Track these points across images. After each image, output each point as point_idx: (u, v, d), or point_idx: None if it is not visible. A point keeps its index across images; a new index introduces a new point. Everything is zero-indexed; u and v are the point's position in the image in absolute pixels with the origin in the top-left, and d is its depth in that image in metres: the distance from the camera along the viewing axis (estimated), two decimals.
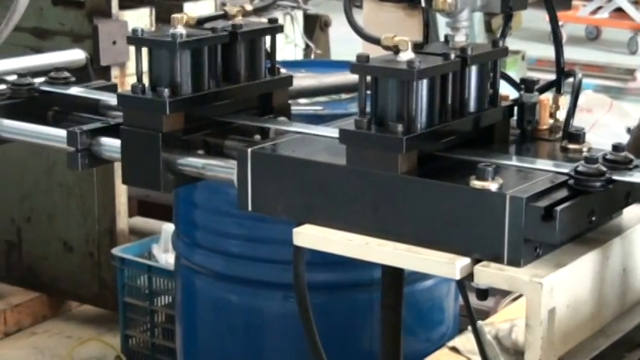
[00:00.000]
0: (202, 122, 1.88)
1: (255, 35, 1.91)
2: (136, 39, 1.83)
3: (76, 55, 2.26)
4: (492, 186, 1.51)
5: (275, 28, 1.94)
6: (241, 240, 2.86)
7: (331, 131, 1.73)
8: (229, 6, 1.97)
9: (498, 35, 1.82)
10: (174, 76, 1.81)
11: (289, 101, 2.00)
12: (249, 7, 1.95)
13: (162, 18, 4.13)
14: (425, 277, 2.83)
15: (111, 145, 1.90)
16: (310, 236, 1.64)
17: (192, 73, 1.83)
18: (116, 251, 3.89)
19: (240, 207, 1.73)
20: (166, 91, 1.79)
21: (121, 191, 4.05)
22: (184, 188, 2.75)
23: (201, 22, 1.90)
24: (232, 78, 1.90)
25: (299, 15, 5.12)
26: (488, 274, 1.50)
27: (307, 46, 5.17)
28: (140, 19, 4.01)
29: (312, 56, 5.11)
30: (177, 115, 1.82)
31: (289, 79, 1.99)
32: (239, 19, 1.92)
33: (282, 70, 1.99)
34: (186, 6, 4.24)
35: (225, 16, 1.95)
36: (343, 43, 6.26)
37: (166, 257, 3.83)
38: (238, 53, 1.89)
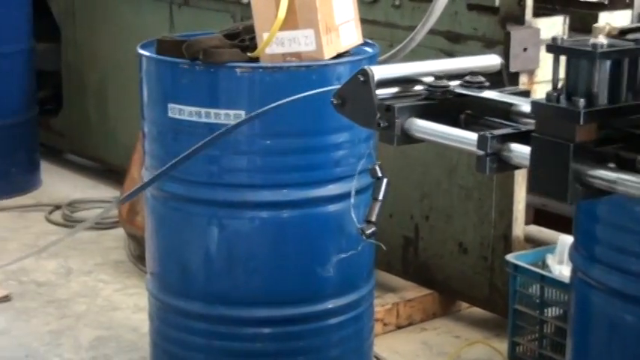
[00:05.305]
0: (616, 135, 1.84)
1: None
2: (555, 47, 1.82)
3: (492, 60, 2.27)
4: None
5: None
6: None
7: None
8: None
9: None
10: (591, 87, 1.78)
11: None
12: None
13: (575, 27, 4.08)
14: None
15: (520, 151, 1.90)
16: None
17: (610, 85, 1.80)
18: (510, 257, 3.89)
19: None
20: (582, 101, 1.77)
21: (520, 198, 4.04)
22: (586, 201, 2.70)
23: (623, 32, 1.86)
24: None
25: None
26: None
27: None
28: (552, 27, 3.98)
29: None
30: (590, 126, 1.79)
31: None
32: None
33: None
34: (602, 15, 4.16)
35: None
36: None
37: (560, 268, 3.78)
38: None
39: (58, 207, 5.54)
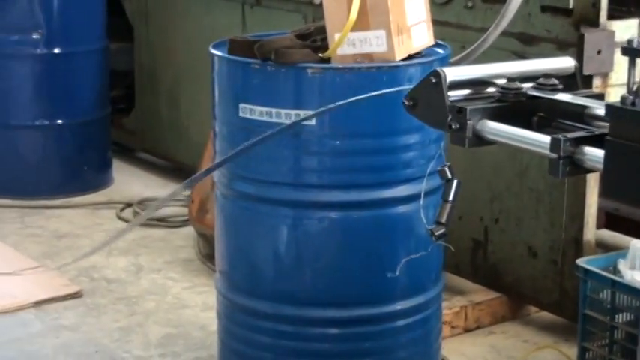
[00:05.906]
0: None
1: None
2: (630, 49, 1.80)
3: (565, 62, 2.26)
4: None
5: None
6: None
7: None
8: None
9: None
10: None
11: None
12: None
13: None
14: None
15: (594, 155, 1.89)
16: None
17: None
18: (581, 262, 3.85)
19: None
20: None
21: (591, 202, 4.00)
22: None
23: None
24: None
25: None
26: None
27: None
28: (627, 30, 3.92)
29: None
30: None
31: None
32: None
33: None
34: None
35: None
36: None
37: (632, 274, 3.73)
38: None
39: (129, 205, 5.61)
